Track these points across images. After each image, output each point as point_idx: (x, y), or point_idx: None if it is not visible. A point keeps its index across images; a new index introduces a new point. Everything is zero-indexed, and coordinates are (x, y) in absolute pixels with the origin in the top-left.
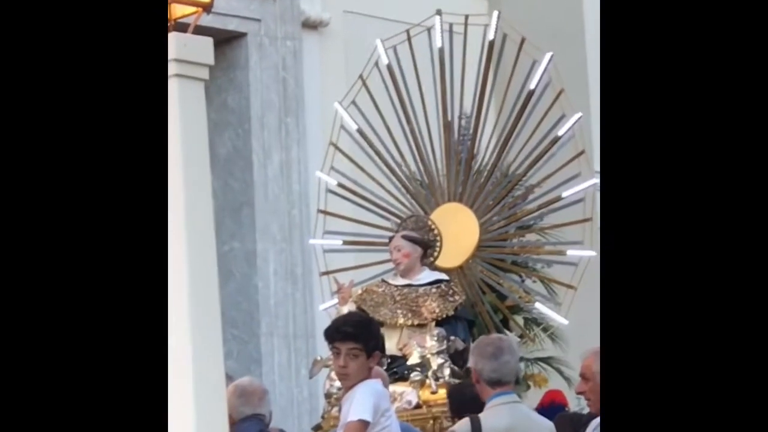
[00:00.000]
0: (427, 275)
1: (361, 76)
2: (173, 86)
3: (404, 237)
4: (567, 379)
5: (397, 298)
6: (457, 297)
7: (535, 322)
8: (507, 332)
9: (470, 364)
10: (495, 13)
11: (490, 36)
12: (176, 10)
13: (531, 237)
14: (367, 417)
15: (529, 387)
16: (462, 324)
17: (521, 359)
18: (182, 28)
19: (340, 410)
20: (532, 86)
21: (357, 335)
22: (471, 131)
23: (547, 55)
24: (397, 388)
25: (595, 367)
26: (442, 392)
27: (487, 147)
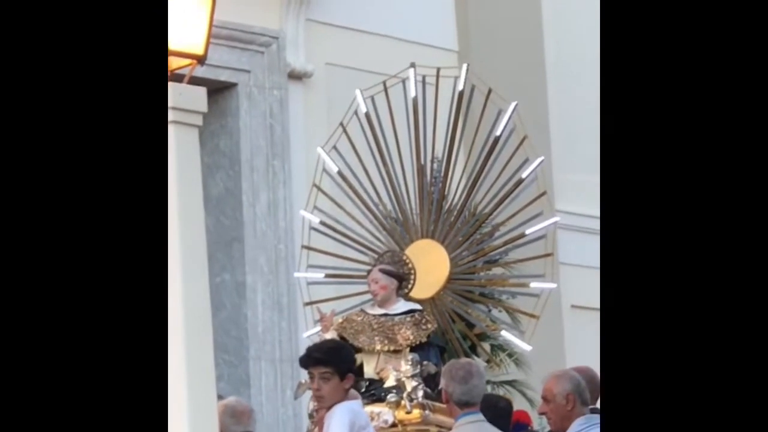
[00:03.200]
0: (402, 305)
1: (341, 123)
2: (170, 132)
3: (381, 270)
4: (530, 400)
5: (375, 326)
6: (429, 325)
7: (500, 348)
8: (475, 357)
9: (441, 386)
10: (464, 66)
11: (460, 87)
12: (173, 62)
13: (497, 270)
14: None
15: None
16: (434, 350)
17: (488, 382)
18: (178, 78)
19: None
20: (498, 133)
21: (327, 360)
22: (442, 174)
23: (512, 105)
24: (375, 408)
25: (555, 389)
26: (416, 412)
27: (457, 188)
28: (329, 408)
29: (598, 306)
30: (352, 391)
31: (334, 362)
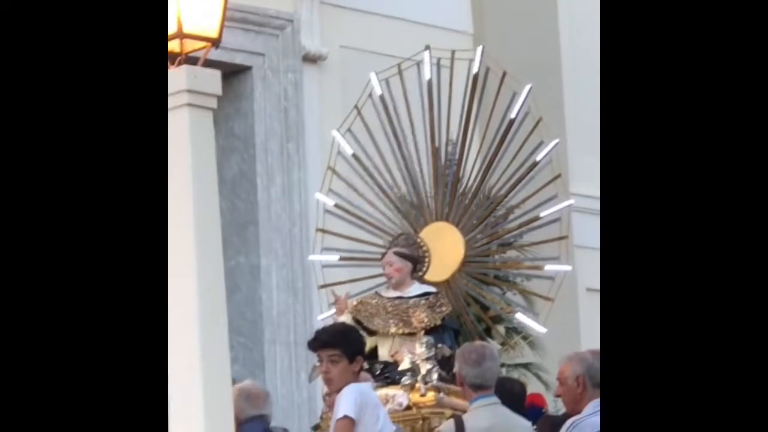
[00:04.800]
0: (416, 288)
1: (356, 106)
2: (184, 115)
3: (396, 253)
4: (545, 383)
5: (390, 309)
6: (444, 308)
7: (515, 330)
8: (489, 340)
9: (456, 369)
10: (479, 49)
11: (475, 69)
12: (187, 45)
13: (512, 253)
14: (351, 413)
15: None
16: (448, 333)
17: (502, 365)
18: (193, 61)
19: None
20: (512, 115)
21: (334, 342)
22: (457, 156)
23: (527, 87)
24: (389, 391)
25: (567, 372)
26: (431, 395)
27: (472, 171)
28: (339, 390)
29: None
30: (364, 374)
31: (342, 345)
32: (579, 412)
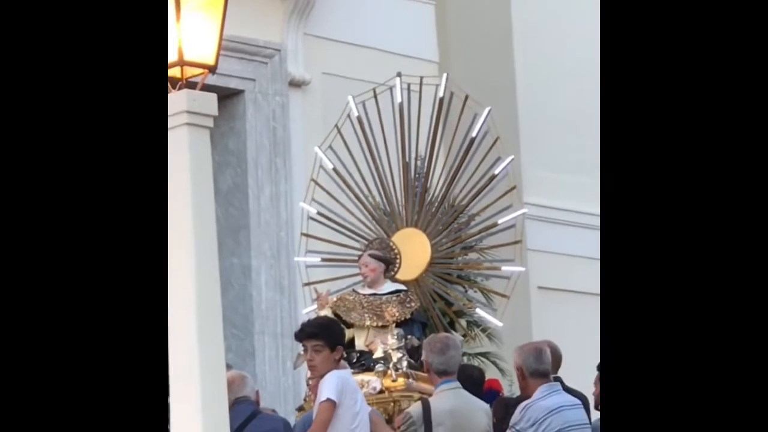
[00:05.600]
0: (389, 286)
1: (336, 126)
2: (184, 133)
3: (371, 255)
4: (501, 370)
5: (365, 305)
6: (413, 304)
7: (475, 324)
8: (453, 332)
9: (423, 357)
10: (444, 76)
11: (440, 94)
12: (187, 71)
13: (472, 255)
14: (333, 396)
15: None
16: (417, 325)
17: (464, 354)
18: (192, 85)
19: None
20: (473, 134)
21: (318, 334)
22: (425, 170)
23: (486, 110)
24: (365, 377)
25: (518, 361)
26: (401, 380)
27: (438, 183)
28: (322, 376)
29: (562, 287)
30: (343, 362)
31: (325, 336)
32: (529, 397)
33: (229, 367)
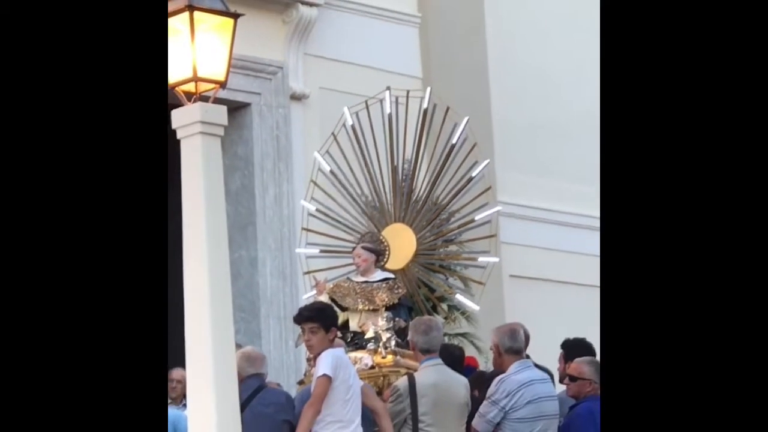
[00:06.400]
0: (379, 274)
1: (332, 134)
2: (198, 141)
3: (363, 247)
4: (478, 348)
5: (358, 291)
6: (400, 290)
7: (455, 308)
8: (435, 315)
9: (409, 337)
10: (428, 90)
11: (425, 106)
12: (200, 86)
13: (453, 248)
14: (329, 372)
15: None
16: (404, 309)
17: (445, 334)
18: (205, 99)
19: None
20: (453, 141)
21: (314, 317)
22: (411, 172)
23: (465, 119)
24: (357, 354)
25: (491, 342)
26: (390, 357)
27: (422, 183)
28: (318, 354)
29: (531, 275)
30: (338, 341)
31: (320, 319)
32: (504, 372)
33: (238, 346)
